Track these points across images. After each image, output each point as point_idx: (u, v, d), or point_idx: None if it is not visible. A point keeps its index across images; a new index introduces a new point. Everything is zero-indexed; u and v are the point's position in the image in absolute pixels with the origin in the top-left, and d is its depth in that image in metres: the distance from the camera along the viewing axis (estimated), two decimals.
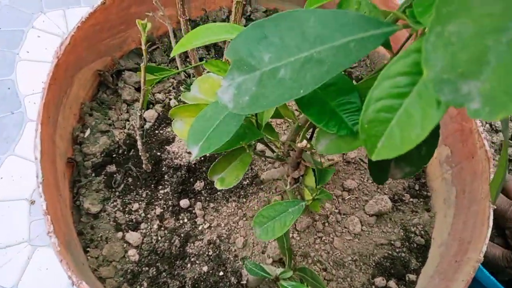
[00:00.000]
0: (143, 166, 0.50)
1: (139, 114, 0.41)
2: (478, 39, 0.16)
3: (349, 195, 0.57)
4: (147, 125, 0.56)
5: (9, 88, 0.81)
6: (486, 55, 0.16)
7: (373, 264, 0.53)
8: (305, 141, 0.31)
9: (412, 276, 0.52)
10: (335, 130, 0.25)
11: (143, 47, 0.38)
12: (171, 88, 0.60)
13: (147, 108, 0.57)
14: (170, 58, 0.63)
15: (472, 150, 0.50)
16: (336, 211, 0.56)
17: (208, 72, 0.39)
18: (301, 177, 0.37)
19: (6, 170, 0.73)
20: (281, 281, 0.38)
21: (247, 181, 0.55)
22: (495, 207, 0.45)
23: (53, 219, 0.37)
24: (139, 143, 0.43)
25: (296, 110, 0.59)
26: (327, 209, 0.55)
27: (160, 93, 0.59)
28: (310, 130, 0.31)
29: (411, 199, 0.58)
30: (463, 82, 0.17)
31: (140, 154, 0.48)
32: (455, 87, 0.17)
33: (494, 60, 0.16)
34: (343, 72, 0.28)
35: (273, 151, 0.37)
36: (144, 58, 0.38)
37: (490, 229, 0.43)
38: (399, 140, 0.20)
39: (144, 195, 0.52)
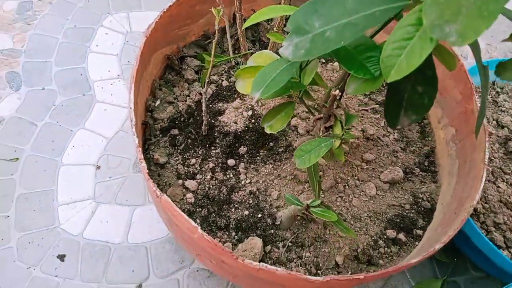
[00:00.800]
0: (202, 128, 0.63)
1: (207, 80, 0.54)
2: (456, 0, 0.27)
3: (367, 165, 0.68)
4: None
5: (81, 74, 0.96)
6: (460, 9, 0.27)
7: (386, 220, 0.63)
8: (337, 90, 0.43)
9: (419, 231, 0.62)
10: (362, 75, 0.37)
11: (216, 27, 0.51)
12: (223, 72, 0.73)
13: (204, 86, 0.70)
14: (222, 49, 0.77)
15: (473, 127, 0.61)
16: (355, 177, 0.66)
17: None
18: (331, 128, 0.49)
19: (77, 140, 0.87)
20: (311, 208, 0.49)
21: (282, 148, 0.67)
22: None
23: (141, 151, 0.50)
24: (203, 106, 0.56)
25: (329, 79, 0.70)
26: (347, 174, 0.66)
27: (214, 75, 0.72)
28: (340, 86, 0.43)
29: (420, 173, 0.69)
30: (446, 25, 0.28)
31: (200, 116, 0.61)
32: (441, 28, 0.28)
33: (465, 12, 0.27)
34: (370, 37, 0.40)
35: (309, 109, 0.49)
36: (216, 35, 0.51)
37: (483, 183, 0.53)
38: (405, 66, 0.31)
39: (200, 153, 0.65)
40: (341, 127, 0.46)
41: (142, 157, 0.48)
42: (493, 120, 0.86)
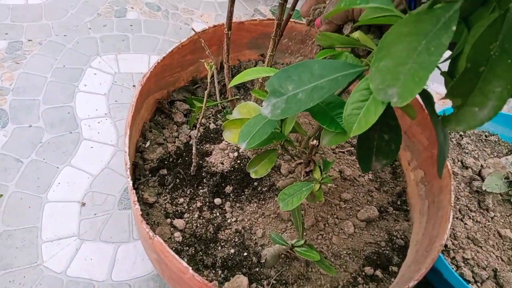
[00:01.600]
0: (191, 169, 0.66)
1: (198, 126, 0.58)
2: (395, 68, 0.33)
3: (345, 204, 0.73)
4: (191, 142, 0.73)
5: (68, 113, 0.98)
6: (399, 75, 0.33)
7: (363, 257, 0.67)
8: (315, 140, 0.47)
9: (394, 268, 0.66)
10: (334, 129, 0.42)
11: (209, 79, 0.56)
12: (210, 115, 0.78)
13: (193, 129, 0.74)
14: (208, 94, 0.82)
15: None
16: (335, 216, 0.71)
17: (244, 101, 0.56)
18: (311, 172, 0.53)
19: (63, 177, 0.88)
20: (295, 248, 0.53)
21: (266, 188, 0.71)
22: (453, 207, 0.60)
23: (135, 194, 0.53)
24: (193, 148, 0.60)
25: (309, 123, 0.76)
26: (327, 213, 0.70)
27: (202, 118, 0.76)
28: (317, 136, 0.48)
29: (394, 211, 0.74)
30: (388, 89, 0.33)
31: (189, 157, 0.64)
32: (385, 92, 0.33)
33: (402, 78, 0.33)
34: (338, 96, 0.46)
35: (291, 155, 0.53)
36: (208, 86, 0.56)
37: (450, 223, 0.58)
38: (364, 123, 0.36)
39: (188, 192, 0.68)
40: (320, 172, 0.51)
41: (136, 199, 0.51)
42: (458, 161, 0.94)
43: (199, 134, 0.74)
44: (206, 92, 0.56)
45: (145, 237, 0.50)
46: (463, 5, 0.27)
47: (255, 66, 0.86)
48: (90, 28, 1.16)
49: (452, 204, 0.61)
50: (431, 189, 0.69)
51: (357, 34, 0.42)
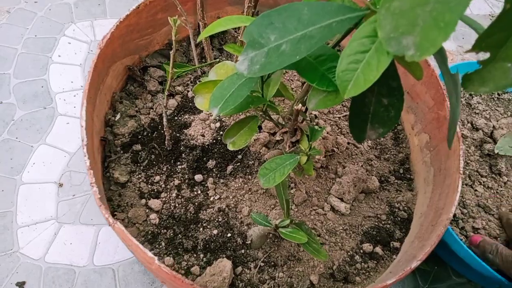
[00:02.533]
0: (166, 143, 0.59)
1: (166, 94, 0.51)
2: (411, 10, 0.25)
3: (340, 177, 0.65)
4: (168, 112, 0.65)
5: (42, 87, 0.91)
6: (416, 20, 0.25)
7: (362, 232, 0.60)
8: (300, 105, 0.40)
9: (396, 244, 0.60)
10: (325, 87, 0.34)
11: (173, 37, 0.47)
12: (189, 82, 0.69)
13: (169, 98, 0.66)
14: (188, 59, 0.73)
15: (446, 134, 0.59)
16: (330, 189, 0.64)
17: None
18: (297, 142, 0.46)
19: (38, 157, 0.82)
20: (280, 229, 0.46)
21: (252, 161, 0.64)
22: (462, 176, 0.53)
23: (94, 173, 0.46)
24: (164, 120, 0.52)
25: (293, 89, 0.68)
26: (321, 187, 0.63)
27: (179, 86, 0.68)
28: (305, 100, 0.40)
29: (396, 181, 0.66)
30: (403, 38, 0.25)
31: (164, 131, 0.57)
32: (398, 41, 0.25)
33: (421, 23, 0.25)
34: (331, 47, 0.37)
35: (274, 122, 0.46)
36: (173, 46, 0.47)
37: (458, 194, 0.51)
38: (362, 81, 0.29)
39: (164, 169, 0.61)
40: (308, 141, 0.44)
41: (94, 180, 0.44)
42: (468, 122, 0.85)
43: (177, 103, 0.66)
44: (171, 53, 0.48)
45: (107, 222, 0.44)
46: None
47: None
48: None
49: (461, 172, 0.53)
50: (437, 155, 0.61)
51: None
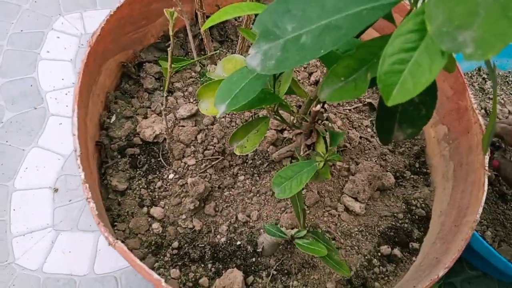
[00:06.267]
0: (167, 146, 0.55)
1: (165, 95, 0.46)
2: None
3: (353, 175, 0.61)
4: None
5: (31, 85, 0.86)
6: (476, 8, 0.20)
7: (378, 234, 0.57)
8: (319, 106, 0.35)
9: (415, 245, 0.56)
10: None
11: (171, 32, 0.42)
12: (189, 77, 0.64)
13: (167, 96, 0.62)
14: (185, 51, 0.68)
15: (468, 126, 0.55)
16: (342, 188, 0.60)
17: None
18: (313, 145, 0.42)
19: (30, 161, 0.77)
20: (296, 240, 0.43)
21: (260, 160, 0.60)
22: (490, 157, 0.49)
23: (90, 187, 0.42)
24: (164, 123, 0.48)
25: (309, 85, 0.63)
26: (334, 186, 0.59)
27: (178, 82, 0.63)
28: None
29: (412, 176, 0.63)
30: (459, 32, 0.21)
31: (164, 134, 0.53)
32: (453, 37, 0.21)
33: (483, 12, 0.20)
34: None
35: (287, 124, 0.42)
36: (171, 41, 0.43)
37: (485, 193, 0.47)
38: (411, 85, 0.24)
39: (166, 173, 0.57)
40: (325, 145, 0.39)
41: (90, 195, 0.40)
42: (482, 108, 0.81)
43: (176, 101, 0.61)
44: (169, 50, 0.43)
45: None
46: None
47: None
48: None
49: (486, 168, 0.49)
50: (457, 148, 0.57)
51: None
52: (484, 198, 0.47)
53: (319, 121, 0.43)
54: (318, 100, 0.36)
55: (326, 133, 0.40)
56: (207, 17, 0.69)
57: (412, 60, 0.23)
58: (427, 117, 0.34)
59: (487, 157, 0.50)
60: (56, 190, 0.75)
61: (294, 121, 0.39)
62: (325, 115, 0.50)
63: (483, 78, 0.85)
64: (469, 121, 0.54)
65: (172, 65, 0.55)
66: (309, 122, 0.38)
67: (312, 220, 0.56)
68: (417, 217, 0.59)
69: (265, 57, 0.28)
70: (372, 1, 0.26)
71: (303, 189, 0.58)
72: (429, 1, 0.21)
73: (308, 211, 0.57)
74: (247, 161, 0.60)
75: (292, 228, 0.53)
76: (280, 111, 0.43)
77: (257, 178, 0.59)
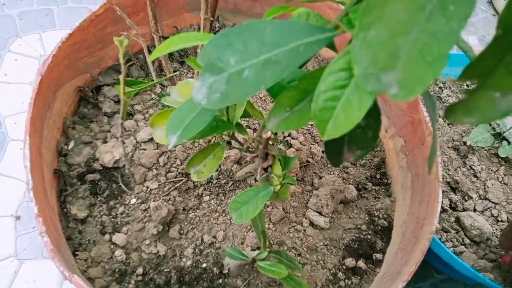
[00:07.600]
0: (127, 171, 0.54)
1: (121, 122, 0.46)
2: (391, 41, 0.21)
3: (317, 189, 0.62)
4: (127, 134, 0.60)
5: None
6: (398, 52, 0.21)
7: (343, 247, 0.58)
8: (269, 132, 0.36)
9: (379, 256, 0.57)
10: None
11: (121, 61, 0.42)
12: (149, 100, 0.64)
13: (127, 119, 0.61)
14: (146, 72, 0.68)
15: (422, 138, 0.57)
16: (307, 203, 0.61)
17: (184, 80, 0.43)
18: (269, 168, 0.42)
19: None
20: (258, 262, 0.43)
21: (224, 180, 0.60)
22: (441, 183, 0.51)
23: (44, 221, 0.41)
24: (121, 150, 0.47)
25: (271, 102, 0.64)
26: (298, 201, 0.60)
27: (138, 104, 0.63)
28: None
29: (373, 187, 0.64)
30: (383, 74, 0.22)
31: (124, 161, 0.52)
32: (377, 78, 0.22)
33: (404, 55, 0.21)
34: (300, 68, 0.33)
35: (242, 146, 0.42)
36: (122, 70, 0.42)
37: (440, 204, 0.49)
38: (344, 121, 0.25)
39: (128, 198, 0.56)
40: (282, 167, 0.40)
41: (44, 230, 0.39)
42: (440, 117, 0.84)
43: (136, 123, 0.61)
44: (121, 78, 0.42)
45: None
46: None
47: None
48: (3, 4, 0.97)
49: (440, 180, 0.51)
50: (414, 159, 0.59)
51: None
52: (439, 208, 0.49)
53: (274, 144, 0.43)
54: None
55: (280, 156, 0.40)
56: (165, 38, 0.69)
57: (343, 97, 0.24)
58: (374, 139, 0.35)
59: (440, 169, 0.52)
60: (18, 217, 0.73)
61: (249, 146, 0.40)
62: (283, 135, 0.50)
63: (440, 87, 0.89)
64: (423, 133, 0.56)
65: (131, 88, 0.55)
66: (262, 148, 0.39)
67: (278, 237, 0.57)
68: (379, 227, 0.60)
69: (210, 90, 0.28)
70: (308, 36, 0.27)
71: (268, 206, 0.58)
72: (354, 44, 0.21)
73: (274, 228, 0.57)
74: (212, 180, 0.60)
75: (258, 247, 0.53)
76: (237, 136, 0.44)
77: (222, 197, 0.59)
